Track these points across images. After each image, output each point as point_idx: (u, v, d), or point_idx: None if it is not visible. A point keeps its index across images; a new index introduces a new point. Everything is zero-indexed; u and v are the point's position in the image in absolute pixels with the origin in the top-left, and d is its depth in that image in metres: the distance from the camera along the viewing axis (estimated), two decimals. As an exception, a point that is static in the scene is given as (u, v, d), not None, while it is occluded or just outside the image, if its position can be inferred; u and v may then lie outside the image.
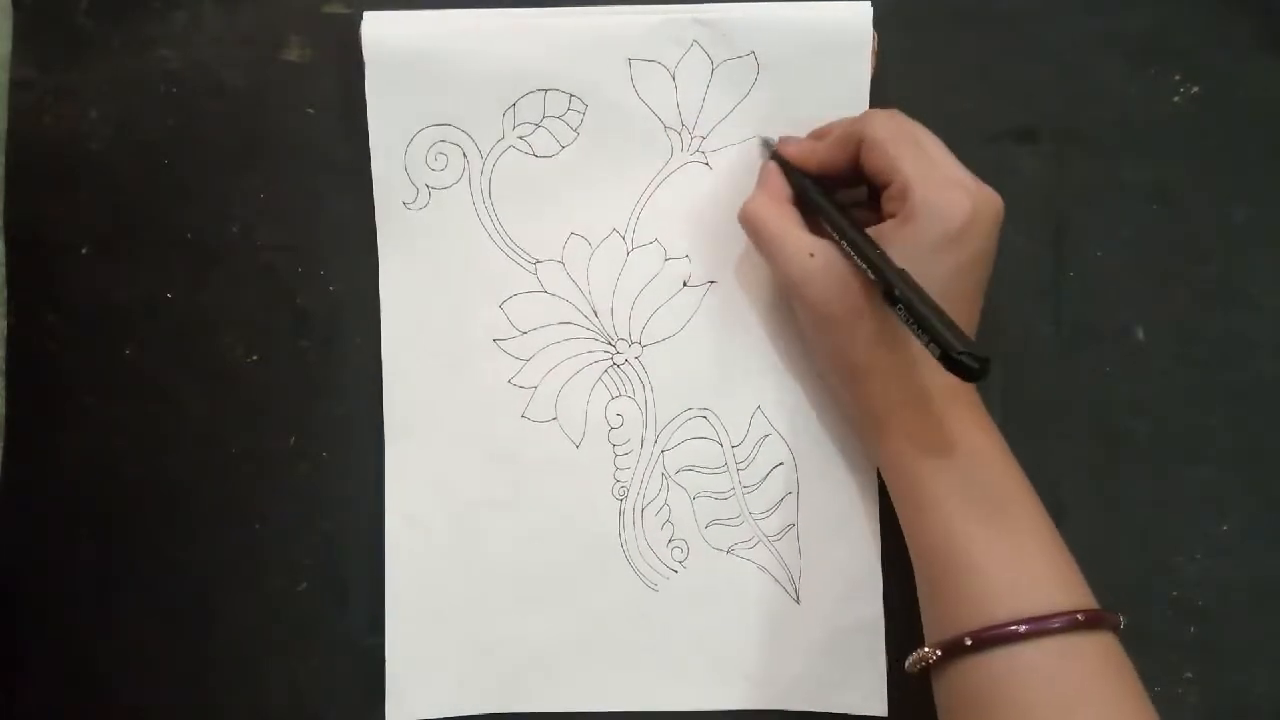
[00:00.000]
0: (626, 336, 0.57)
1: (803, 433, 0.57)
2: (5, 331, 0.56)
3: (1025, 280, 0.57)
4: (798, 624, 0.56)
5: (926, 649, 0.48)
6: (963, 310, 0.49)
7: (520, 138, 0.56)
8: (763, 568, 0.56)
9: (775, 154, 0.55)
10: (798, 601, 0.56)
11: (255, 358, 0.57)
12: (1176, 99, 0.57)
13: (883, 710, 0.56)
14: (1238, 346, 0.57)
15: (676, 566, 0.56)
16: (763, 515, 0.57)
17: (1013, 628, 0.45)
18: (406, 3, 0.55)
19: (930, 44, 0.57)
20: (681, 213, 0.57)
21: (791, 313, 0.55)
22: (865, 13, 0.55)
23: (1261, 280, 0.57)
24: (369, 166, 0.56)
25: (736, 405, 0.57)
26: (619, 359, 0.57)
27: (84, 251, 0.57)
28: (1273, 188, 0.57)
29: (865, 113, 0.53)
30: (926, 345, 0.44)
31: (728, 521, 0.57)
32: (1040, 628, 0.45)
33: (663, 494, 0.57)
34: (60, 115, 0.57)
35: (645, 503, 0.57)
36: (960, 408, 0.50)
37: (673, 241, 0.57)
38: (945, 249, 0.48)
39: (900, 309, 0.45)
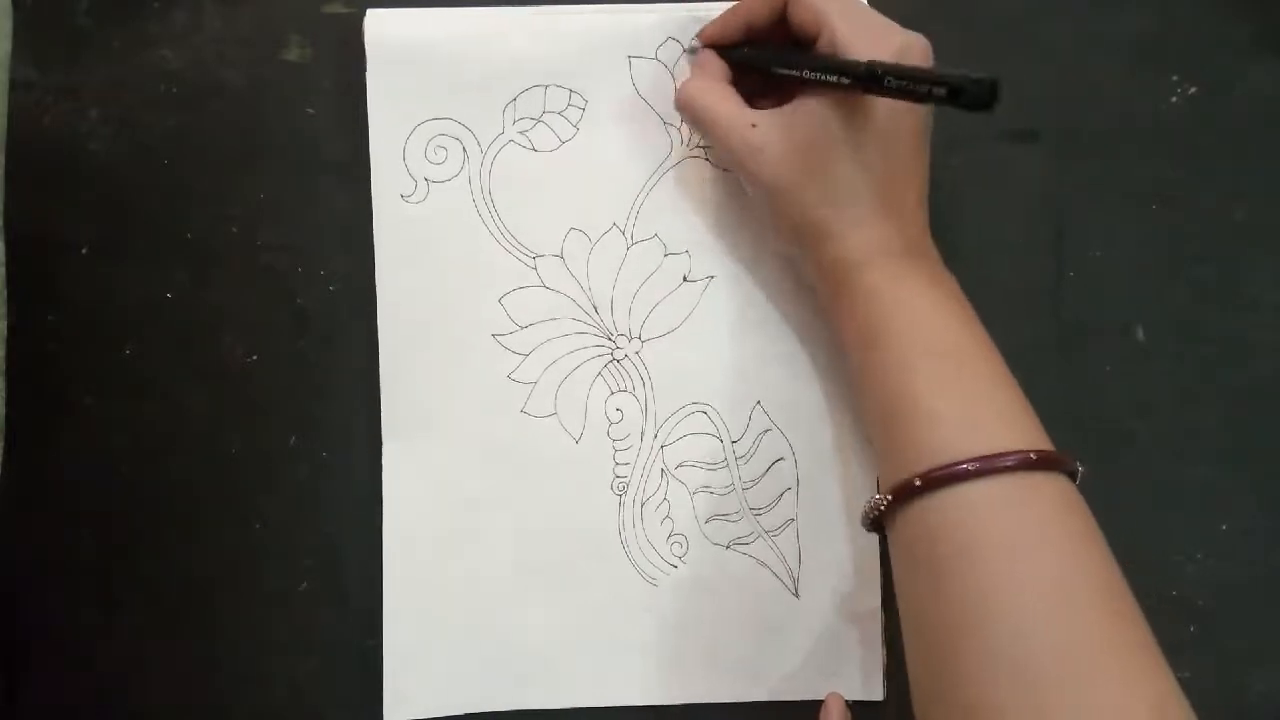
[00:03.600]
0: (626, 331, 0.57)
1: (802, 428, 0.57)
2: (5, 332, 0.56)
3: (1025, 280, 0.57)
4: (797, 618, 0.56)
5: (877, 496, 0.48)
6: (909, 157, 0.50)
7: (520, 132, 0.56)
8: (762, 563, 0.56)
9: (705, 43, 0.55)
10: (797, 596, 0.56)
11: (255, 358, 0.57)
12: (1176, 99, 0.57)
13: (879, 695, 0.56)
14: (1238, 346, 0.57)
15: (676, 562, 0.56)
16: (762, 510, 0.57)
17: (963, 466, 0.44)
18: (407, 3, 0.56)
19: (930, 44, 0.57)
20: (681, 208, 0.57)
21: (745, 194, 0.55)
22: (864, 10, 0.55)
23: (1261, 280, 0.57)
24: (369, 166, 0.56)
25: (736, 400, 0.57)
26: (619, 354, 0.57)
27: (84, 251, 0.57)
28: (1273, 188, 0.57)
29: None
30: (927, 97, 0.43)
31: (727, 517, 0.57)
32: (990, 465, 0.44)
33: (662, 489, 0.57)
34: (60, 115, 0.57)
35: (645, 498, 0.56)
36: (917, 260, 0.50)
37: (672, 236, 0.57)
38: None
39: (889, 81, 0.44)
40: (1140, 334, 0.57)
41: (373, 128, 0.56)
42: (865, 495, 0.56)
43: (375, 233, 0.56)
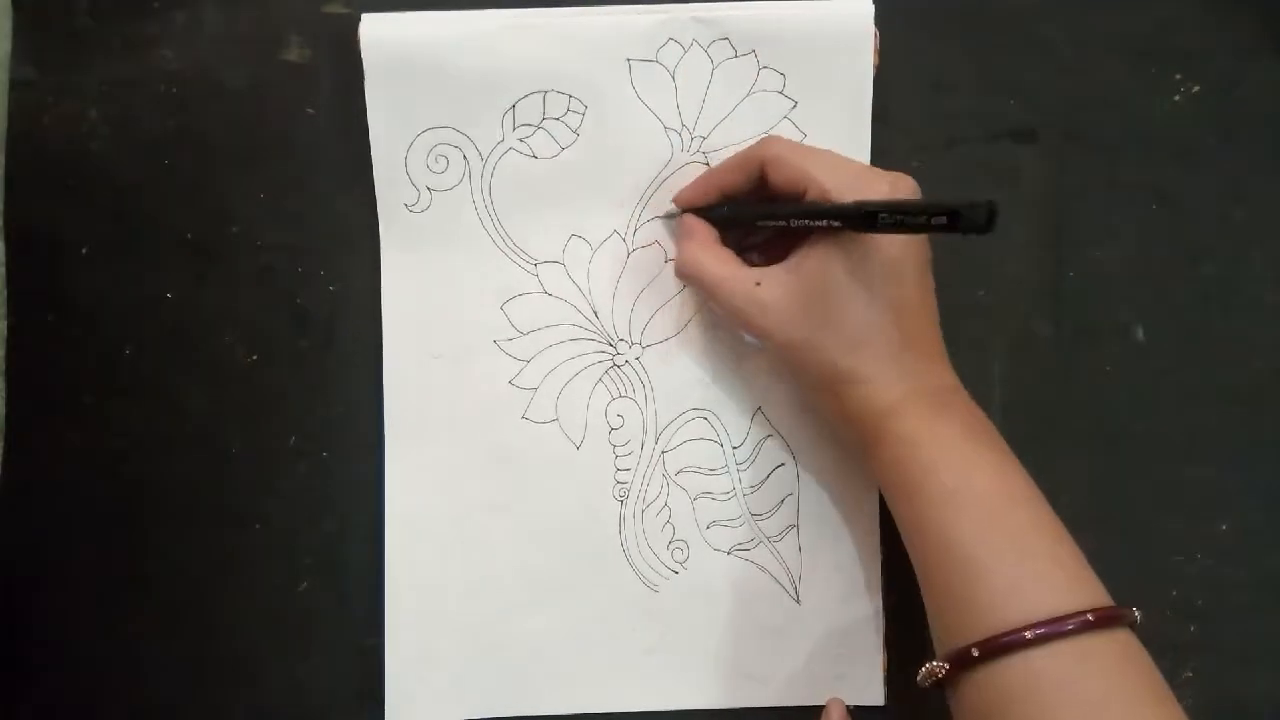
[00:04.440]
0: (627, 337, 0.57)
1: (803, 434, 0.57)
2: (5, 332, 0.56)
3: (1025, 280, 0.57)
4: (798, 624, 0.56)
5: (935, 663, 0.46)
6: (918, 287, 0.50)
7: (520, 139, 0.56)
8: (763, 568, 0.57)
9: (683, 208, 0.55)
10: (798, 602, 0.56)
11: (255, 358, 0.57)
12: (1176, 99, 0.57)
13: (880, 700, 0.56)
14: (1238, 346, 0.57)
15: (677, 567, 0.56)
16: (763, 516, 0.57)
17: (1021, 634, 0.43)
18: (406, 3, 0.55)
19: (930, 43, 0.57)
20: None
21: (760, 349, 0.56)
22: (866, 11, 0.55)
23: (1261, 280, 0.57)
24: (369, 166, 0.56)
25: (737, 406, 0.57)
26: (619, 360, 0.57)
27: (84, 251, 0.57)
28: (1273, 188, 0.57)
29: (763, 138, 0.53)
30: (925, 227, 0.43)
31: (728, 522, 0.57)
32: (1051, 631, 0.42)
33: (663, 495, 0.57)
34: (60, 115, 0.57)
35: (646, 504, 0.57)
36: (949, 399, 0.50)
37: (673, 243, 0.56)
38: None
39: (884, 219, 0.44)
40: (1140, 334, 0.57)
41: (374, 138, 0.56)
42: (866, 500, 0.56)
43: (381, 241, 0.56)
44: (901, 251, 0.49)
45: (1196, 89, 0.57)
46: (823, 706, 0.55)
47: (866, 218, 0.45)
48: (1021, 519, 0.47)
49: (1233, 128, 0.57)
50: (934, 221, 0.42)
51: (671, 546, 0.57)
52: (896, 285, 0.49)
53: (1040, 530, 0.46)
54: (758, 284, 0.50)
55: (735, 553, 0.57)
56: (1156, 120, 0.57)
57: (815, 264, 0.49)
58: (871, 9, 0.55)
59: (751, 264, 0.53)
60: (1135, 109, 0.57)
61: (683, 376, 0.57)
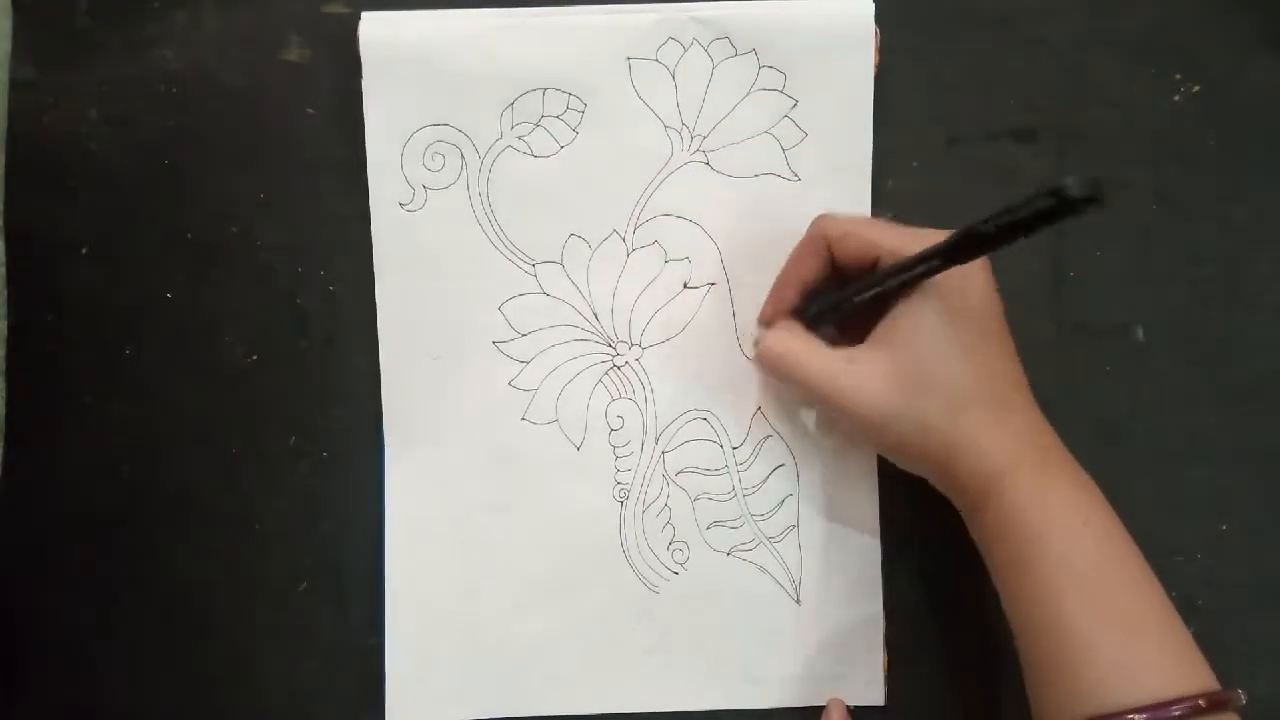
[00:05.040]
0: (627, 338, 0.57)
1: (803, 434, 0.57)
2: (5, 332, 0.56)
3: (1025, 280, 0.57)
4: (798, 624, 0.56)
5: None
6: (1002, 338, 0.49)
7: (519, 138, 0.56)
8: (763, 569, 0.57)
9: (768, 320, 0.55)
10: (798, 602, 0.56)
11: (255, 358, 0.57)
12: (1176, 99, 0.57)
13: (880, 700, 0.56)
14: (1238, 346, 0.57)
15: (677, 568, 0.56)
16: (763, 517, 0.57)
17: (1127, 717, 0.42)
18: (406, 3, 0.55)
19: (930, 43, 0.57)
20: (682, 213, 0.56)
21: (851, 435, 0.56)
22: (866, 10, 0.55)
23: (1261, 280, 0.57)
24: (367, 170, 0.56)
25: (737, 407, 0.57)
26: (619, 361, 0.57)
27: (84, 251, 0.57)
28: (1273, 188, 0.57)
29: (816, 218, 0.52)
30: (1035, 219, 0.41)
31: (728, 523, 0.57)
32: (1158, 716, 0.42)
33: (663, 496, 0.57)
34: (60, 115, 0.57)
35: (646, 504, 0.57)
36: (1055, 463, 0.48)
37: (673, 243, 0.56)
38: (960, 287, 0.48)
39: (985, 230, 0.43)
40: (1140, 334, 0.57)
41: (369, 135, 0.56)
42: (866, 501, 0.56)
43: (374, 241, 0.56)
44: (985, 303, 0.48)
45: (1196, 89, 0.57)
46: (823, 707, 0.55)
47: (975, 238, 0.44)
48: (1130, 596, 0.46)
49: (1233, 128, 0.57)
50: (1042, 208, 0.40)
51: (671, 547, 0.57)
52: (985, 339, 0.48)
53: (1149, 607, 0.46)
54: (850, 361, 0.50)
55: (735, 553, 0.57)
56: (1156, 120, 0.57)
57: (905, 330, 0.48)
58: (872, 8, 0.55)
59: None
60: (1135, 109, 0.57)
61: (683, 377, 0.57)
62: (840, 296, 0.52)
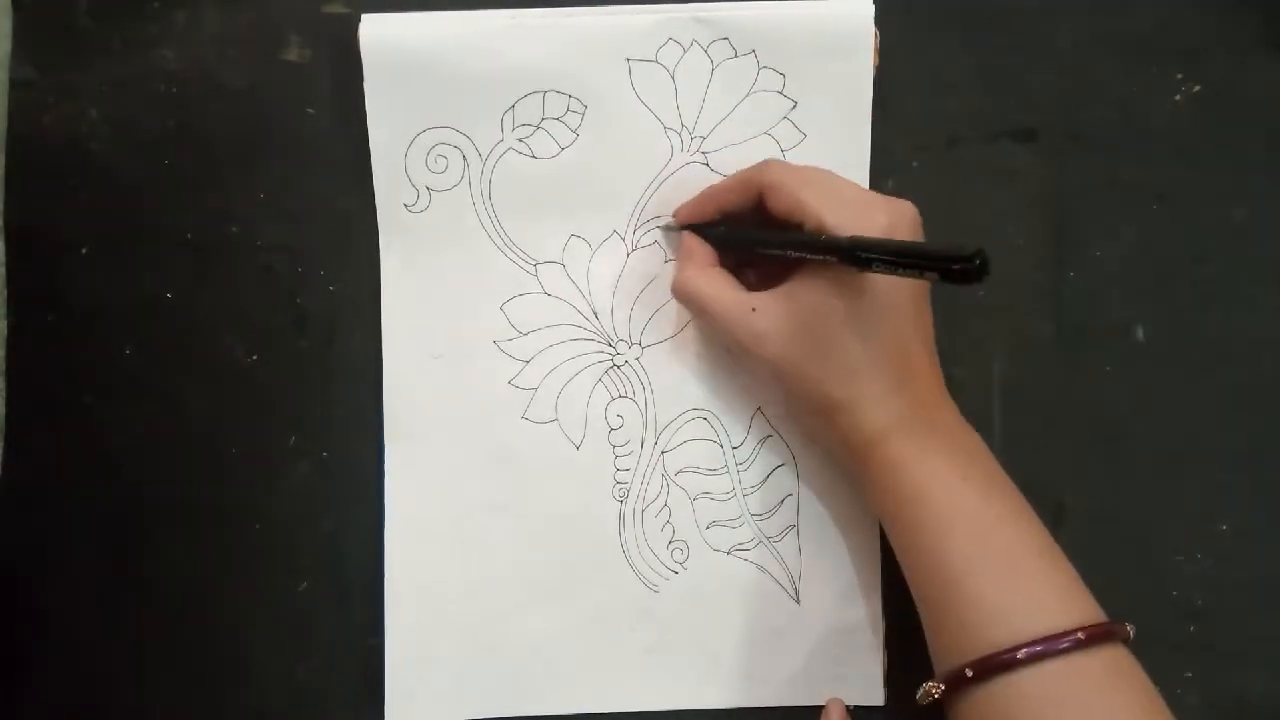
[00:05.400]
0: (627, 338, 0.57)
1: (802, 434, 0.57)
2: (5, 332, 0.56)
3: (1025, 280, 0.57)
4: (798, 624, 0.56)
5: (931, 684, 0.47)
6: (914, 321, 0.49)
7: (519, 139, 0.56)
8: (763, 569, 0.57)
9: (681, 224, 0.55)
10: (798, 602, 0.56)
11: (255, 358, 0.57)
12: (1177, 99, 0.57)
13: (880, 700, 0.56)
14: (1238, 346, 0.57)
15: (677, 568, 0.56)
16: (763, 516, 0.57)
17: (1014, 654, 0.43)
18: (406, 3, 0.55)
19: (930, 43, 0.57)
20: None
21: (752, 370, 0.56)
22: (866, 10, 0.55)
23: (1261, 280, 0.57)
24: (369, 167, 0.56)
25: (737, 406, 0.57)
26: (619, 360, 0.57)
27: (84, 251, 0.57)
28: (1273, 188, 0.57)
29: (762, 162, 0.53)
30: (918, 273, 0.42)
31: (728, 523, 0.57)
32: (1043, 650, 0.43)
33: (663, 495, 0.57)
34: (60, 115, 0.57)
35: (645, 504, 0.56)
36: (938, 426, 0.49)
37: (673, 243, 0.56)
38: None
39: (875, 264, 0.44)
40: (1140, 334, 0.57)
41: (373, 138, 0.56)
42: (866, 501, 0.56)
43: (380, 242, 0.56)
44: (898, 287, 0.48)
45: (1196, 89, 0.57)
46: (823, 706, 0.55)
47: (858, 259, 0.45)
48: (1011, 538, 0.47)
49: (1233, 128, 0.57)
50: (926, 273, 0.42)
51: (671, 546, 0.57)
52: (893, 320, 0.49)
53: (1030, 548, 0.47)
54: (754, 310, 0.50)
55: (735, 553, 0.57)
56: (1156, 120, 0.57)
57: (811, 294, 0.49)
58: (871, 9, 0.55)
59: (748, 283, 0.53)
60: (1135, 109, 0.57)
61: (682, 376, 0.57)
62: (754, 238, 0.53)
